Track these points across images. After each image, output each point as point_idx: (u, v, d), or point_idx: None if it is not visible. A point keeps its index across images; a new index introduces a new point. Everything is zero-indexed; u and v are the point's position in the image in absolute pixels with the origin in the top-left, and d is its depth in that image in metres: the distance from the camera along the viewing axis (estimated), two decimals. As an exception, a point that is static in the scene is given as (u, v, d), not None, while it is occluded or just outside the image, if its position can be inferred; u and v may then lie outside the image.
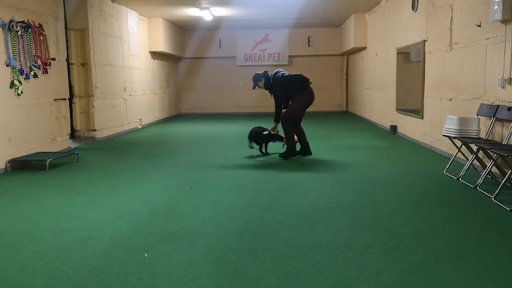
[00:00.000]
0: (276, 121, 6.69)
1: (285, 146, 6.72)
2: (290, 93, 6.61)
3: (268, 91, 6.76)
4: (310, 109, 6.70)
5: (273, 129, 6.78)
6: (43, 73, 6.83)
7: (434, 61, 7.14)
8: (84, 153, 7.40)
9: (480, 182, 4.70)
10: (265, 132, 6.72)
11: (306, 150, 6.76)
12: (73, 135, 8.82)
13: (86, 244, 3.27)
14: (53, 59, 7.11)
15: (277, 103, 6.62)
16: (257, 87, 6.84)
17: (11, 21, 6.01)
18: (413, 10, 8.10)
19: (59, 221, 3.84)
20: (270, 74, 6.74)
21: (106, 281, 2.68)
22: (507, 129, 4.88)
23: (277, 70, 6.81)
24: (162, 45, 12.50)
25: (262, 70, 6.88)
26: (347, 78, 15.51)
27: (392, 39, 9.64)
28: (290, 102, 6.68)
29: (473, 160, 5.20)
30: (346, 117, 13.92)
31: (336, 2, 10.64)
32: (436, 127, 6.97)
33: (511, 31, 4.84)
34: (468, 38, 5.87)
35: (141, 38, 11.78)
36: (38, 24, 6.67)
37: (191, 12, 11.46)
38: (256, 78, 6.77)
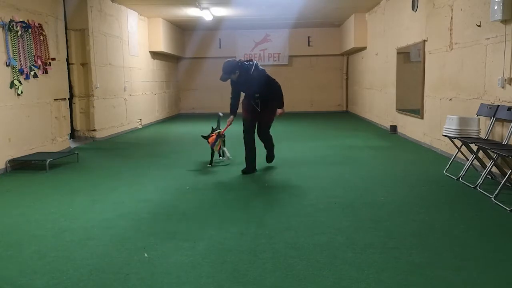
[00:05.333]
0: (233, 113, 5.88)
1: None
2: (268, 95, 5.74)
3: (232, 83, 5.71)
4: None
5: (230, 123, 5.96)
6: (43, 73, 6.83)
7: (434, 61, 7.14)
8: (84, 153, 7.40)
9: (480, 182, 4.70)
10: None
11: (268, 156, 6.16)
12: (73, 135, 8.82)
13: (86, 244, 3.27)
14: (53, 59, 7.11)
15: (236, 96, 5.79)
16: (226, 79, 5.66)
17: (11, 21, 6.01)
18: (413, 10, 8.10)
19: (59, 221, 3.84)
20: (246, 63, 5.65)
21: (106, 281, 2.68)
22: (507, 129, 4.89)
23: (250, 60, 5.74)
24: (162, 45, 12.50)
25: (236, 59, 5.83)
26: (347, 78, 15.51)
27: (392, 39, 9.64)
28: (261, 105, 5.73)
29: (473, 160, 5.20)
30: (346, 117, 13.92)
31: (336, 2, 10.64)
32: (436, 127, 6.97)
33: (511, 31, 4.84)
34: (468, 38, 5.87)
35: (141, 38, 11.78)
36: (38, 24, 6.67)
37: (191, 12, 11.46)
38: (231, 69, 5.55)
